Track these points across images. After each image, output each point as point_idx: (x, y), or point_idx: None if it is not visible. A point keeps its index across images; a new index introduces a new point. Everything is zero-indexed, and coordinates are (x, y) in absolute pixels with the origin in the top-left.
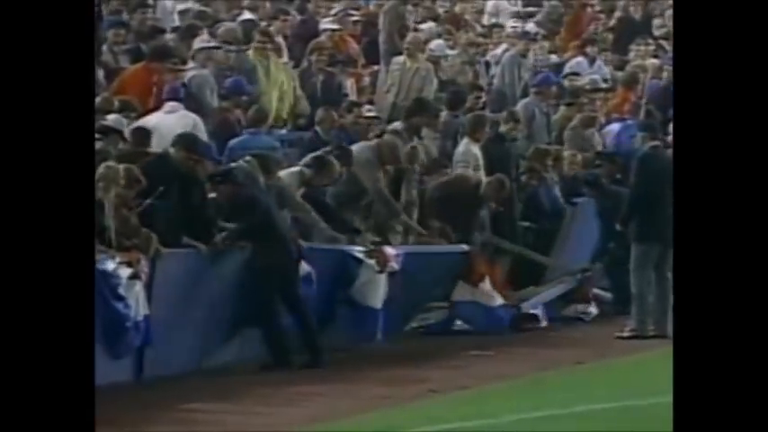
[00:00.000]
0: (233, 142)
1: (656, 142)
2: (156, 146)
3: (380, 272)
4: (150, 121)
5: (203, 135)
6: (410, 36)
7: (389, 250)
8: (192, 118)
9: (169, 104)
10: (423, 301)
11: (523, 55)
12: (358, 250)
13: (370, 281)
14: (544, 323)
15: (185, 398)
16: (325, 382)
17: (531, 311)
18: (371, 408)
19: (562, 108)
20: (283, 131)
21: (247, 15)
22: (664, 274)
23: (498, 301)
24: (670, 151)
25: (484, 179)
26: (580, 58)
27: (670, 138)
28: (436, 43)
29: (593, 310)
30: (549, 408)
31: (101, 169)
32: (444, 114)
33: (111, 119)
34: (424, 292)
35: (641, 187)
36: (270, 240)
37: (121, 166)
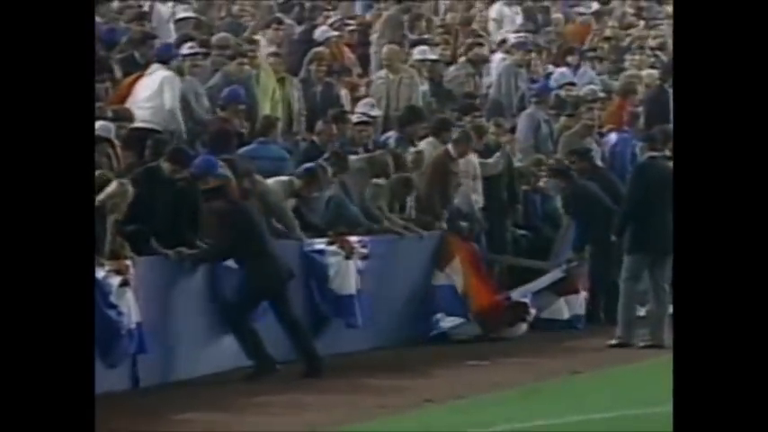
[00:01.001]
0: (242, 151)
1: (656, 153)
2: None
3: (348, 258)
4: (136, 86)
5: (173, 92)
6: (385, 49)
7: (352, 238)
8: (162, 76)
9: (154, 65)
10: (399, 289)
11: (520, 65)
12: (319, 241)
13: (341, 269)
14: (533, 312)
15: (180, 407)
16: (322, 391)
17: (521, 300)
18: (368, 417)
19: (562, 119)
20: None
21: (258, 36)
22: (660, 284)
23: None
24: (669, 162)
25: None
26: (563, 69)
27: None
28: (420, 49)
29: (583, 299)
30: (544, 417)
31: (114, 185)
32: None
33: (98, 126)
34: (399, 279)
35: (637, 197)
36: (260, 260)
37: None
